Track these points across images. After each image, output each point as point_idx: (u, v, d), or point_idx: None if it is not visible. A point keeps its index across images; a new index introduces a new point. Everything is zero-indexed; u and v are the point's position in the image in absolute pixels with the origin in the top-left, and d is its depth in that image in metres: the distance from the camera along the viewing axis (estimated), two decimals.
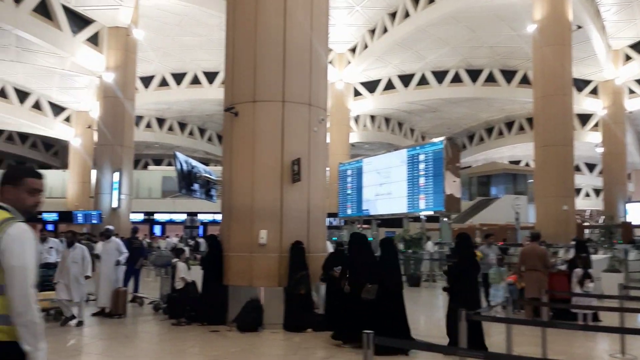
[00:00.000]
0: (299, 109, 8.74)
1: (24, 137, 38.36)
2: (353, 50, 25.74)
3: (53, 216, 29.89)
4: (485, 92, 28.24)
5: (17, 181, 2.42)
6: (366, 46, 24.62)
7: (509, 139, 35.61)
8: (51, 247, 11.97)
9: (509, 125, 35.30)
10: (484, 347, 6.36)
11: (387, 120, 34.34)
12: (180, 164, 9.77)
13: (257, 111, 8.61)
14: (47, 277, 9.28)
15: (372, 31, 23.92)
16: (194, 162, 10.80)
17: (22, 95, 27.80)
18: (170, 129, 35.09)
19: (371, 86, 28.58)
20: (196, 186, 10.38)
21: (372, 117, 33.32)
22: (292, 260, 8.43)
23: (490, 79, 27.85)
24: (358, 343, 6.36)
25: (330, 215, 16.23)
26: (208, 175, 10.77)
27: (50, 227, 26.07)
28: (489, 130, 36.87)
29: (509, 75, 27.70)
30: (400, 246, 17.24)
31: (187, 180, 9.99)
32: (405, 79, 28.21)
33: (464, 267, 6.91)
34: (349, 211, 18.00)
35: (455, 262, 7.27)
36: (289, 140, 8.62)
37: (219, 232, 9.52)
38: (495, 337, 6.92)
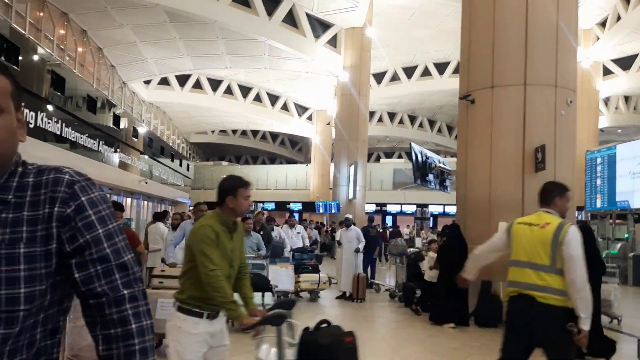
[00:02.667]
0: (542, 91, 8.06)
1: (274, 136, 43.42)
2: (602, 24, 22.77)
3: (298, 206, 33.22)
4: None
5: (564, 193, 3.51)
6: (619, 18, 21.55)
7: None
8: (298, 233, 13.25)
9: None
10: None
11: None
12: (416, 154, 9.85)
13: (496, 97, 8.20)
14: (300, 260, 10.32)
15: (627, 0, 20.83)
16: (429, 153, 10.79)
17: (273, 98, 31.46)
18: (401, 122, 35.84)
19: (625, 63, 24.89)
20: (431, 177, 10.37)
21: (626, 98, 29.09)
22: None
23: None
24: None
25: (577, 208, 14.69)
26: (442, 166, 10.66)
27: (295, 215, 28.99)
28: None
29: None
30: None
31: (422, 171, 10.04)
32: None
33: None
34: (599, 204, 16.03)
35: None
36: (531, 125, 8.01)
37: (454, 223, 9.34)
38: None
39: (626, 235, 16.40)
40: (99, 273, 1.13)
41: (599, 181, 15.98)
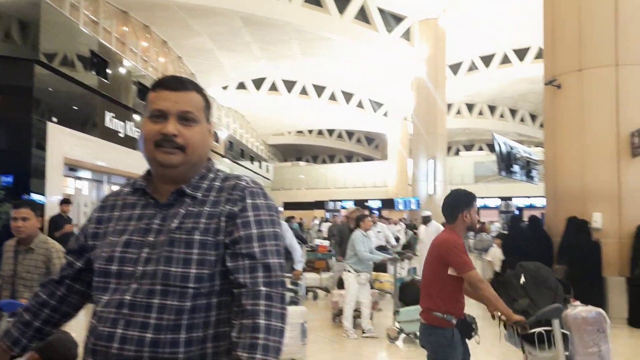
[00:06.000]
0: (638, 71, 7.46)
1: (350, 134, 43.47)
2: None
3: (377, 203, 33.02)
4: None
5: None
6: None
7: None
8: (379, 231, 13.05)
9: None
10: None
11: None
12: (499, 145, 9.44)
13: (584, 80, 7.68)
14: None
15: None
16: (513, 143, 10.31)
17: (347, 96, 31.47)
18: (480, 113, 34.67)
19: None
20: (516, 167, 9.89)
21: None
22: (635, 247, 7.28)
23: None
24: None
25: None
26: (528, 156, 10.16)
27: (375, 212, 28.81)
28: None
29: None
30: None
31: (506, 162, 9.61)
32: None
33: None
34: None
35: None
36: (626, 108, 7.45)
37: (544, 215, 8.90)
38: None
39: None
40: (245, 266, 1.29)
41: None
